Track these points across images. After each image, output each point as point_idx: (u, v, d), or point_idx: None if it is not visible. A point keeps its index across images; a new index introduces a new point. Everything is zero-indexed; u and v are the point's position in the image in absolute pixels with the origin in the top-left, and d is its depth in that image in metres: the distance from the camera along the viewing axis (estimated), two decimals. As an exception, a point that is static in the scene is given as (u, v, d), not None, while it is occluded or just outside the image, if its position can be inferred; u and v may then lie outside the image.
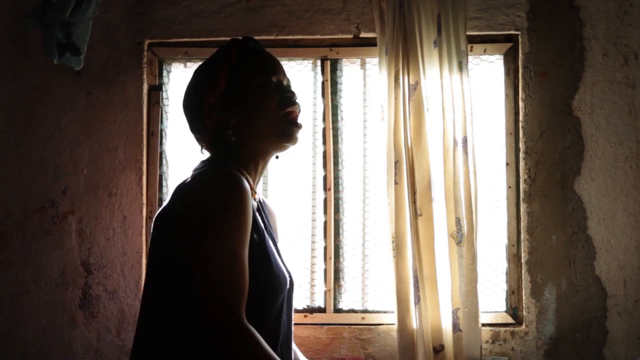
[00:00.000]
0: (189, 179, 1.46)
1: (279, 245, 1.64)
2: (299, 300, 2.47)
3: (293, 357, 1.63)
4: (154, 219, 1.49)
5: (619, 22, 2.38)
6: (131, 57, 2.44)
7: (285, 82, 1.58)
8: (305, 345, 2.35)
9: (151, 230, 1.49)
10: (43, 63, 2.40)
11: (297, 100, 1.56)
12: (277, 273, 1.47)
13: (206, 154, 1.58)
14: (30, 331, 2.40)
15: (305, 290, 2.48)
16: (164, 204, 1.49)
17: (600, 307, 2.34)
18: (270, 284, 1.45)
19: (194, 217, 1.36)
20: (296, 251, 2.49)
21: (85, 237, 2.40)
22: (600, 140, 2.37)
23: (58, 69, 2.41)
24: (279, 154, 1.59)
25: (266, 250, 1.46)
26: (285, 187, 2.52)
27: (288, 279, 1.52)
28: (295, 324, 2.35)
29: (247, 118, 1.51)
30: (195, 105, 1.53)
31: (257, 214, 1.49)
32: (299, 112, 1.57)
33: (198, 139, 1.58)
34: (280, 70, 1.57)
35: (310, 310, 2.45)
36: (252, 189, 1.52)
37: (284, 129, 1.52)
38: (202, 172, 1.45)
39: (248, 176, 1.52)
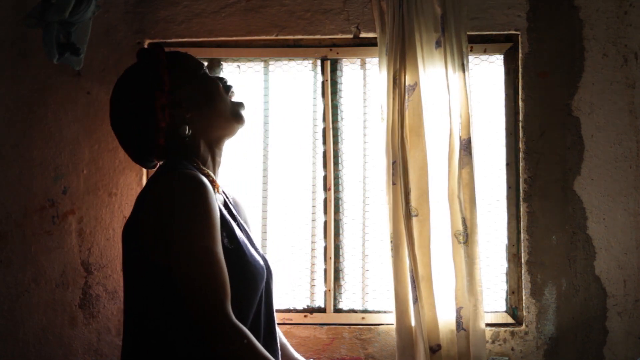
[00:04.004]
0: (148, 186, 1.47)
1: (251, 235, 1.64)
2: (299, 300, 2.47)
3: (280, 350, 1.62)
4: (122, 230, 1.49)
5: (619, 22, 2.38)
6: (131, 57, 2.43)
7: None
8: (305, 345, 2.35)
9: (121, 244, 1.49)
10: (43, 63, 2.40)
11: (230, 83, 1.65)
12: (253, 263, 1.47)
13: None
14: (30, 331, 2.40)
15: (305, 290, 2.48)
16: (129, 214, 1.49)
17: (600, 307, 2.34)
18: (247, 276, 1.45)
19: (163, 222, 1.36)
20: (296, 251, 2.49)
21: (85, 237, 2.40)
22: (600, 140, 2.37)
23: (58, 69, 2.41)
24: (231, 138, 1.66)
25: (238, 243, 1.46)
26: (285, 187, 2.52)
27: (264, 267, 1.52)
28: (295, 324, 2.38)
29: (200, 109, 1.55)
30: (147, 112, 1.51)
31: (222, 209, 1.50)
32: (234, 93, 1.66)
33: (148, 150, 1.55)
34: (203, 63, 1.64)
35: (310, 310, 2.45)
36: (214, 182, 1.53)
37: (235, 112, 1.60)
38: (162, 178, 1.45)
39: (207, 170, 1.54)
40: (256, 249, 1.57)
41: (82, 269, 2.40)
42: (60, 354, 2.39)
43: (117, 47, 2.44)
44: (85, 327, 2.39)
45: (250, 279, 1.46)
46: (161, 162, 1.60)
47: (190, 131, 1.52)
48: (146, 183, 1.52)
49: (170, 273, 1.34)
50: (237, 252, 1.45)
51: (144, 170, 2.42)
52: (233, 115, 1.59)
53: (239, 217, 1.63)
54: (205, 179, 1.40)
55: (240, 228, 1.57)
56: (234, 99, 1.63)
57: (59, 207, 2.41)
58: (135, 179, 2.41)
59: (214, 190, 1.46)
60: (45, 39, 2.07)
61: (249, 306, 1.45)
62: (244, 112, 1.62)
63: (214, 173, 1.58)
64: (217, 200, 1.45)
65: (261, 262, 1.51)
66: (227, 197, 1.67)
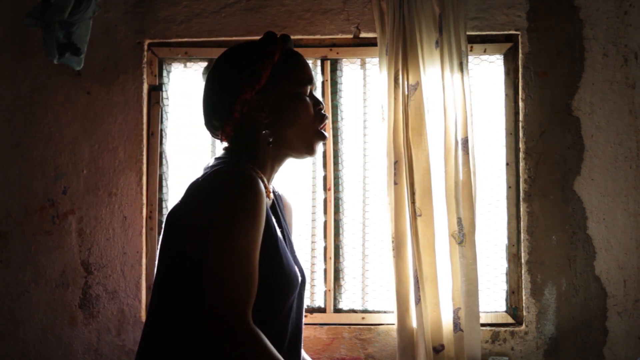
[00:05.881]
0: (204, 177, 1.45)
1: (292, 240, 1.63)
2: (299, 300, 2.47)
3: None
4: (166, 216, 1.48)
5: (619, 22, 2.38)
6: (131, 57, 2.44)
7: (314, 90, 1.59)
8: (305, 345, 2.35)
9: (163, 227, 1.48)
10: (43, 63, 2.41)
11: (325, 114, 1.57)
12: (289, 273, 1.46)
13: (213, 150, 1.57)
14: (30, 331, 2.40)
15: (306, 290, 2.47)
16: (178, 201, 1.47)
17: (600, 307, 2.34)
18: (282, 284, 1.44)
19: (208, 216, 1.34)
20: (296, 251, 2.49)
21: (85, 237, 2.40)
22: (600, 140, 2.37)
23: (58, 69, 2.41)
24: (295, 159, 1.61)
25: (278, 250, 1.45)
26: (285, 187, 2.51)
27: (300, 277, 1.51)
28: (296, 324, 2.37)
29: (279, 123, 1.50)
30: (228, 96, 1.49)
31: (270, 213, 1.48)
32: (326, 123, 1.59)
33: (216, 127, 1.54)
34: (313, 79, 1.57)
35: (310, 310, 2.45)
36: (266, 188, 1.51)
37: (312, 143, 1.55)
38: (218, 171, 1.42)
39: (263, 176, 1.51)
40: (295, 257, 1.56)
41: (82, 269, 2.40)
42: (60, 354, 2.39)
43: (117, 47, 2.44)
44: (85, 327, 2.39)
45: (283, 288, 1.44)
46: (225, 145, 1.57)
47: (271, 139, 1.48)
48: (204, 173, 1.48)
49: (202, 267, 1.33)
50: (274, 260, 1.43)
51: (144, 170, 2.43)
52: (307, 146, 1.54)
53: (283, 222, 1.61)
54: (260, 183, 1.38)
55: (284, 234, 1.55)
56: (322, 129, 1.56)
57: (59, 207, 2.41)
58: (135, 179, 2.41)
59: (265, 194, 1.45)
60: (46, 39, 2.07)
61: (277, 314, 1.44)
62: (319, 146, 1.56)
63: (269, 179, 1.56)
64: (267, 205, 1.43)
65: (297, 273, 1.50)
66: (278, 200, 1.64)
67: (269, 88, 1.49)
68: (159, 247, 1.47)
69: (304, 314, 1.58)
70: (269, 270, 1.39)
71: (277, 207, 1.61)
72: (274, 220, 1.49)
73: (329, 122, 2.46)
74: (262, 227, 1.37)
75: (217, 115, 1.52)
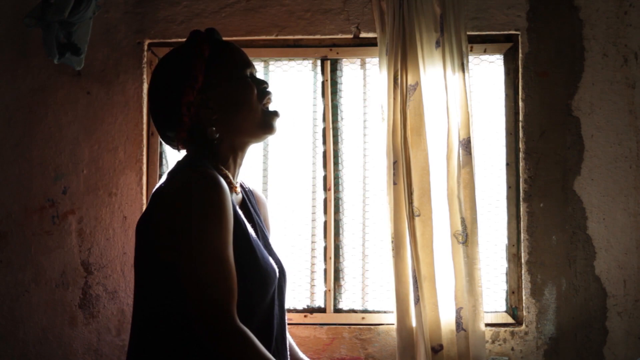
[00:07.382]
0: (165, 182, 1.45)
1: (268, 235, 1.63)
2: (299, 300, 2.47)
3: (289, 351, 1.62)
4: (135, 225, 1.48)
5: (619, 22, 2.38)
6: (131, 57, 2.44)
7: (255, 73, 1.60)
8: (305, 345, 2.35)
9: (135, 237, 1.49)
10: (43, 63, 2.41)
11: (269, 90, 1.58)
12: (265, 267, 1.45)
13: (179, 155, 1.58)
14: (30, 331, 2.40)
15: (305, 290, 2.48)
16: (145, 209, 1.48)
17: (600, 307, 2.34)
18: (258, 279, 1.44)
19: (175, 220, 1.34)
20: (296, 251, 2.49)
21: (85, 237, 2.40)
22: (600, 140, 2.37)
23: (58, 69, 2.41)
24: (256, 144, 1.62)
25: (251, 245, 1.45)
26: (285, 187, 2.52)
27: (277, 270, 1.51)
28: (295, 324, 2.38)
29: (228, 113, 1.51)
30: (171, 103, 1.49)
31: (238, 209, 1.48)
32: (272, 100, 1.59)
33: (171, 138, 1.54)
34: (250, 62, 1.58)
35: (310, 310, 2.45)
36: (231, 184, 1.52)
37: (266, 121, 1.55)
38: (178, 175, 1.43)
39: (227, 172, 1.52)
40: (271, 251, 1.56)
41: (82, 269, 2.40)
42: (60, 354, 2.39)
43: (117, 47, 2.44)
44: (85, 327, 2.39)
45: (260, 283, 1.44)
46: (184, 151, 1.58)
47: (218, 134, 1.49)
48: (165, 178, 1.50)
49: (178, 272, 1.34)
50: (248, 254, 1.43)
51: (144, 170, 2.43)
52: (261, 125, 1.54)
53: (256, 217, 1.61)
54: (222, 180, 1.39)
55: (256, 228, 1.55)
56: (270, 107, 1.57)
57: (59, 207, 2.41)
58: (135, 179, 2.41)
59: (230, 191, 1.45)
60: (46, 39, 2.07)
61: (257, 309, 1.44)
62: (275, 122, 1.56)
63: (234, 174, 1.56)
64: (233, 201, 1.43)
65: (274, 266, 1.49)
66: (248, 195, 1.65)
67: (209, 83, 1.50)
68: (133, 258, 1.48)
69: (286, 308, 1.58)
70: (243, 267, 1.38)
71: (249, 203, 1.61)
72: (242, 215, 1.49)
73: (329, 122, 2.46)
74: (231, 224, 1.37)
75: (168, 126, 1.52)
